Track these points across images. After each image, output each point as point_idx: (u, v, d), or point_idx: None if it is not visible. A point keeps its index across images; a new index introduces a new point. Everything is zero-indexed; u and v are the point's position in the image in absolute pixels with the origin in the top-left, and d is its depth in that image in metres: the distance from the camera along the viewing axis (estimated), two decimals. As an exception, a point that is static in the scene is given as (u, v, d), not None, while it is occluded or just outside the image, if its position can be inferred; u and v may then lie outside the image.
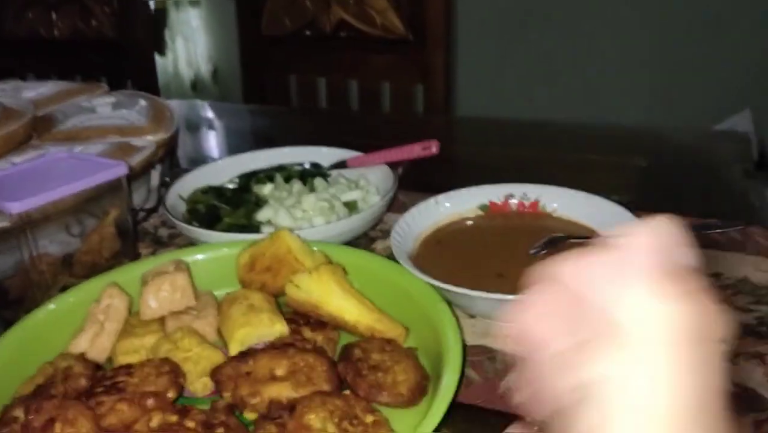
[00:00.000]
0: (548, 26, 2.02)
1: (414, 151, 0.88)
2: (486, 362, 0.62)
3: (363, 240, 0.83)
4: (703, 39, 1.93)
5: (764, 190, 0.91)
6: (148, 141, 0.92)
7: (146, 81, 1.59)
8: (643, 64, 1.97)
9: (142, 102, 1.06)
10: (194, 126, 1.40)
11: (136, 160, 0.88)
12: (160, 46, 3.11)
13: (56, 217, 0.67)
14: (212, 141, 1.34)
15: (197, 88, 3.18)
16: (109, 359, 0.62)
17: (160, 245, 0.86)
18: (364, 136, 1.27)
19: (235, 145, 1.30)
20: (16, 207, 0.61)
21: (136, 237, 0.80)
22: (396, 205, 0.91)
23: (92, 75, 1.62)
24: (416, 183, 0.97)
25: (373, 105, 1.46)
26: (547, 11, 2.00)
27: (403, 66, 1.40)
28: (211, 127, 1.41)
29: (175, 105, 1.49)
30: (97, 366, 0.60)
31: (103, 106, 1.04)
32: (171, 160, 1.03)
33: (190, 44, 3.15)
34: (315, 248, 0.68)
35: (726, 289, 0.69)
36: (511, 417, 0.57)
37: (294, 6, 1.46)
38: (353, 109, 1.49)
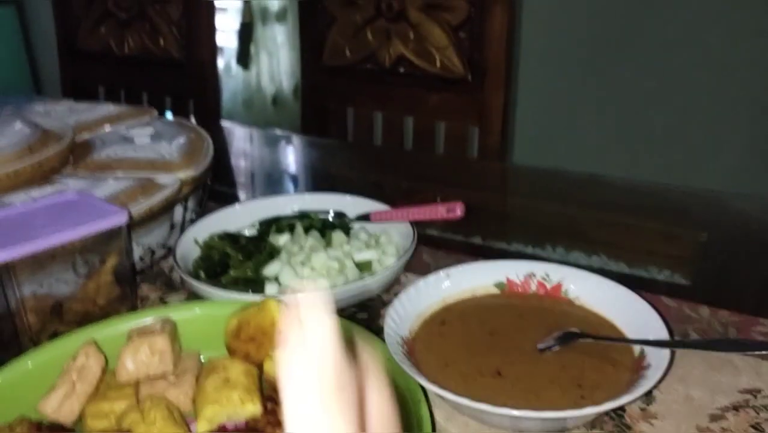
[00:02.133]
0: (620, 73, 1.90)
1: (438, 212, 0.82)
2: (466, 474, 0.56)
3: (376, 302, 0.79)
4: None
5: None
6: (173, 179, 0.91)
7: (208, 102, 1.60)
8: (726, 118, 1.83)
9: (182, 134, 1.05)
10: (247, 155, 1.40)
11: (157, 199, 0.87)
12: (244, 59, 3.17)
13: (49, 262, 0.66)
14: (260, 173, 1.33)
15: (277, 104, 3.21)
16: (80, 419, 0.60)
17: (170, 288, 0.85)
18: (411, 177, 1.23)
19: (283, 179, 1.29)
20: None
21: (134, 284, 0.79)
22: (419, 265, 0.86)
23: (158, 92, 1.65)
24: (451, 239, 0.92)
25: (428, 144, 1.41)
26: (621, 55, 1.89)
27: (460, 106, 1.35)
28: (263, 157, 1.40)
29: (237, 131, 1.50)
30: (62, 428, 0.58)
31: (142, 137, 1.04)
32: (203, 195, 1.01)
33: (274, 59, 3.19)
34: (306, 319, 0.64)
35: (759, 411, 0.60)
36: None
37: (356, 38, 1.44)
38: (405, 148, 1.44)
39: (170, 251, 0.91)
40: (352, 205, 0.91)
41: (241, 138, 1.49)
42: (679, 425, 0.59)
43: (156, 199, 0.86)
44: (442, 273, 0.71)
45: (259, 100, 3.20)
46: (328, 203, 0.92)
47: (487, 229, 1.02)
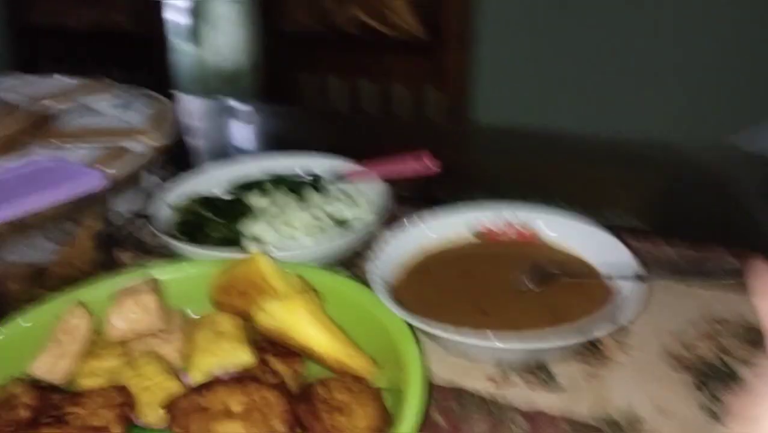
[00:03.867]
0: (579, 27, 1.93)
1: (413, 167, 0.84)
2: (454, 405, 0.58)
3: (355, 258, 0.80)
4: (730, 48, 1.83)
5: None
6: (144, 145, 0.90)
7: (162, 75, 1.57)
8: (672, 71, 1.88)
9: (146, 102, 1.04)
10: (208, 125, 1.39)
11: (129, 165, 0.86)
12: (196, 36, 3.12)
13: (28, 227, 0.65)
14: (222, 142, 1.32)
15: (231, 80, 3.17)
16: (72, 380, 0.60)
17: (146, 254, 0.84)
18: (371, 141, 1.24)
19: (244, 148, 1.28)
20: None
21: (113, 248, 0.78)
22: (393, 221, 0.87)
23: (110, 67, 1.62)
24: (423, 196, 0.93)
25: (386, 107, 1.42)
26: (580, 10, 1.91)
27: (418, 68, 1.36)
28: (224, 127, 1.39)
29: (191, 102, 1.48)
30: (54, 388, 0.58)
31: (105, 106, 1.02)
32: (172, 163, 1.00)
33: (226, 36, 3.14)
34: (292, 271, 0.65)
35: (727, 338, 0.64)
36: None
37: (311, 2, 1.43)
38: (364, 112, 1.45)
39: (142, 217, 0.91)
40: (323, 165, 0.92)
41: (197, 109, 1.48)
42: (653, 353, 0.62)
43: (128, 165, 0.85)
44: (419, 222, 0.72)
45: (212, 77, 3.15)
46: (300, 165, 0.93)
47: (451, 187, 1.03)
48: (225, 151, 1.28)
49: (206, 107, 1.48)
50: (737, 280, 0.66)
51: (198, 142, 1.31)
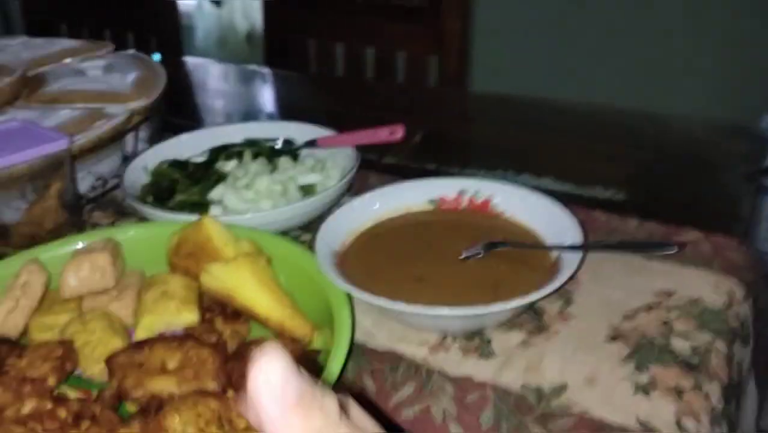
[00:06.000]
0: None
1: (381, 135, 0.85)
2: (387, 369, 0.59)
3: (319, 224, 0.81)
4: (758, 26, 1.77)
5: (760, 198, 0.83)
6: (123, 109, 0.92)
7: (170, 38, 1.59)
8: (693, 48, 1.83)
9: (136, 67, 1.06)
10: (210, 89, 1.41)
11: (105, 128, 0.88)
12: (219, -2, 3.13)
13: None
14: (220, 106, 1.34)
15: (252, 41, 3.18)
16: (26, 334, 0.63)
17: (122, 215, 0.87)
18: (372, 107, 1.24)
19: (243, 112, 1.30)
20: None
21: (81, 209, 0.81)
22: (365, 189, 0.88)
23: (121, 29, 1.64)
24: (413, 159, 0.95)
25: (388, 74, 1.42)
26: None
27: (419, 35, 1.35)
28: (224, 90, 1.40)
29: (205, 67, 1.50)
30: (7, 341, 0.61)
31: (95, 69, 1.05)
32: (158, 126, 1.03)
33: (248, -1, 3.14)
34: (242, 236, 0.67)
35: (670, 311, 0.63)
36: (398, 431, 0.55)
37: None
38: (366, 78, 1.45)
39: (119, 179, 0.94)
40: (300, 132, 0.93)
41: (205, 73, 1.49)
42: (593, 323, 0.63)
43: (104, 128, 0.87)
44: (377, 191, 0.73)
45: (233, 38, 3.17)
46: (277, 131, 0.94)
47: (443, 155, 1.04)
48: (226, 113, 1.30)
49: (214, 71, 1.50)
50: (673, 252, 0.66)
51: (200, 104, 1.33)
